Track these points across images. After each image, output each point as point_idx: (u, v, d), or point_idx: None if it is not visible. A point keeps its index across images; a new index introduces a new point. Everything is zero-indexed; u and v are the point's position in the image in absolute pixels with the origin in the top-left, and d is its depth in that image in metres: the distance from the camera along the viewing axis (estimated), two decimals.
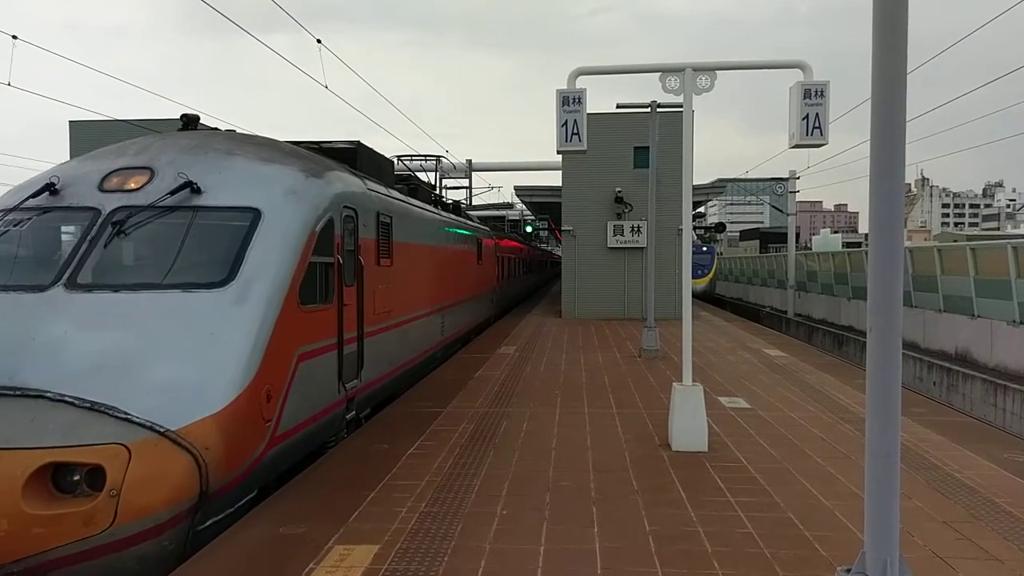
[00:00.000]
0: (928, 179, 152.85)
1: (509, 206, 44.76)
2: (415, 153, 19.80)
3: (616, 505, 5.63)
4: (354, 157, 9.29)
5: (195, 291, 5.55)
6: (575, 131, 7.68)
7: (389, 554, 4.69)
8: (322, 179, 7.10)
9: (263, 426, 5.52)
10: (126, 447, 4.54)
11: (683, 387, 7.40)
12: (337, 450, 7.21)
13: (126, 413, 4.70)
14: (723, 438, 7.69)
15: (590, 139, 7.97)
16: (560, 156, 10.77)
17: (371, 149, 10.05)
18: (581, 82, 7.80)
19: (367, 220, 8.30)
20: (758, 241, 64.17)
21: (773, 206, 42.28)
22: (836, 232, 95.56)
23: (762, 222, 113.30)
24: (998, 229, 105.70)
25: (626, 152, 22.28)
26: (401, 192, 11.02)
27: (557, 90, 7.68)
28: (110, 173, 6.38)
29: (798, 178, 30.94)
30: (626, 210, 22.44)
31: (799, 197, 31.80)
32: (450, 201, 18.73)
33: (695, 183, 13.36)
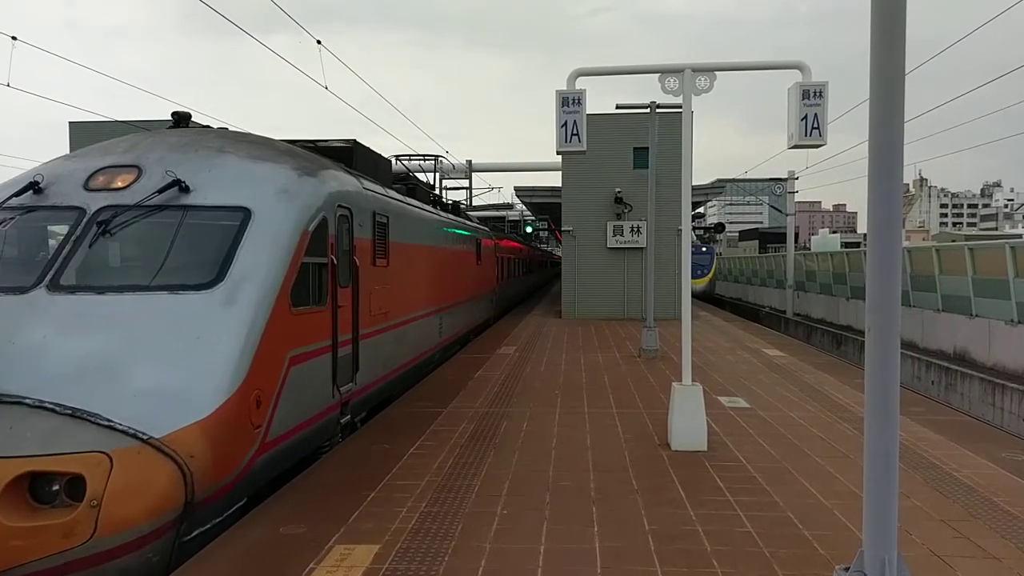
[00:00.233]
0: (926, 179, 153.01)
1: (509, 206, 44.77)
2: (414, 153, 19.76)
3: (616, 505, 5.64)
4: (350, 156, 9.14)
5: (182, 293, 5.40)
6: (575, 132, 7.70)
7: (389, 554, 4.70)
8: (316, 178, 6.94)
9: (252, 432, 5.34)
10: (108, 455, 4.37)
11: (683, 387, 7.42)
12: (338, 450, 7.22)
13: (108, 420, 4.53)
14: (722, 438, 7.71)
15: (590, 140, 7.98)
16: (560, 156, 10.79)
17: (367, 148, 9.94)
18: (581, 83, 7.82)
19: (363, 220, 8.16)
20: (757, 241, 64.21)
21: (772, 206, 42.28)
22: (835, 232, 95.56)
23: (761, 222, 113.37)
24: (996, 229, 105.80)
25: (626, 153, 22.30)
26: (399, 192, 10.90)
27: (557, 91, 7.70)
28: (96, 171, 6.21)
29: (797, 178, 30.98)
30: (626, 210, 22.46)
31: (798, 197, 31.83)
32: (449, 201, 18.70)
33: (694, 183, 13.40)
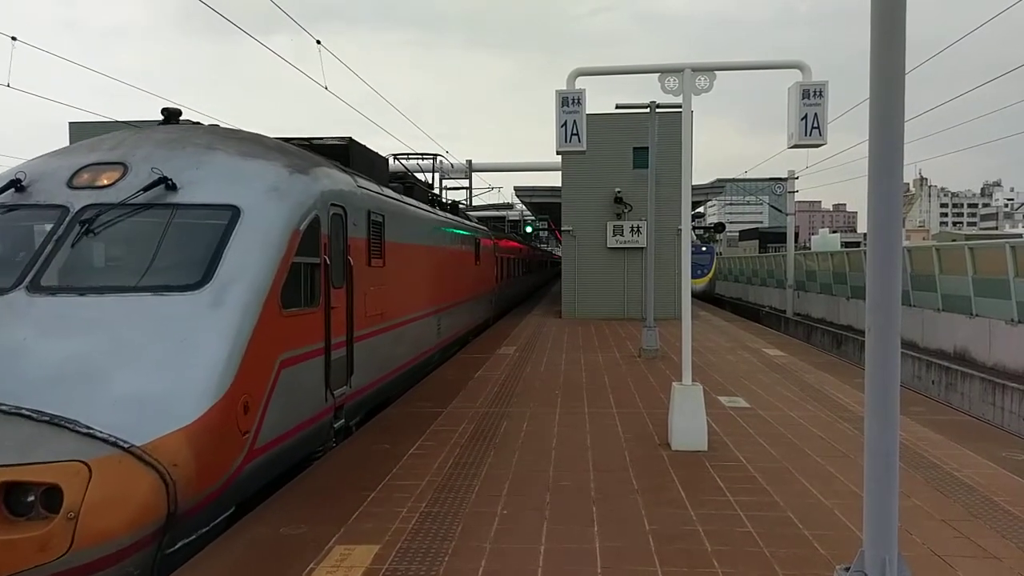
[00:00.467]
0: (926, 179, 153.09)
1: (509, 206, 44.79)
2: (412, 151, 19.70)
3: (616, 504, 5.64)
4: (346, 154, 8.99)
5: (167, 294, 5.23)
6: (574, 131, 7.69)
7: (390, 554, 4.70)
8: (307, 175, 6.76)
9: (240, 439, 5.17)
10: (86, 465, 4.18)
11: (683, 387, 7.41)
12: (338, 451, 7.21)
13: (88, 427, 4.33)
14: (723, 437, 7.70)
15: (590, 139, 7.98)
16: (560, 156, 10.79)
17: (364, 146, 9.78)
18: (580, 83, 7.82)
19: (357, 219, 7.99)
20: (757, 241, 64.20)
21: (772, 206, 42.30)
22: (835, 232, 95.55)
23: (761, 222, 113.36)
24: (996, 228, 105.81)
25: (625, 152, 22.31)
26: (396, 191, 10.76)
27: (556, 91, 7.70)
28: (81, 169, 6.02)
29: (797, 178, 30.98)
30: (626, 210, 22.46)
31: (798, 197, 31.83)
32: (448, 201, 18.64)
33: (694, 183, 13.40)
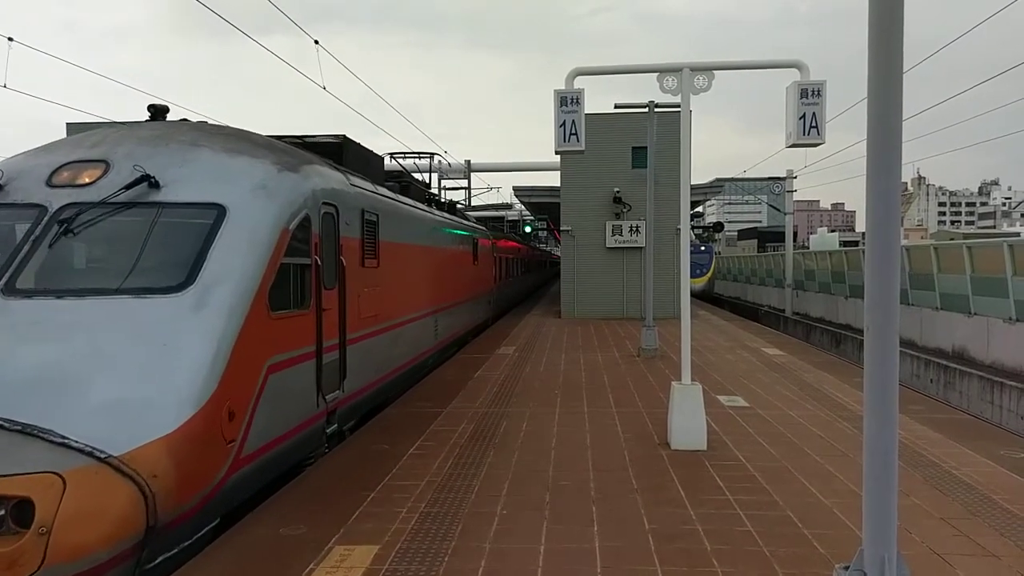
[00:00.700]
0: (925, 178, 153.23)
1: (508, 206, 44.83)
2: (408, 150, 19.61)
3: (616, 504, 5.64)
4: (340, 152, 8.80)
5: (149, 297, 5.03)
6: (573, 131, 7.70)
7: (389, 554, 4.70)
8: (297, 173, 6.55)
9: (224, 448, 4.96)
10: (60, 476, 3.99)
11: (682, 386, 7.42)
12: (337, 451, 7.21)
13: (63, 437, 4.14)
14: (722, 437, 7.71)
15: (588, 139, 7.99)
16: (559, 156, 10.79)
17: (358, 144, 9.62)
18: (579, 82, 7.82)
19: (350, 218, 7.80)
20: (756, 240, 64.17)
21: (771, 205, 42.29)
22: (833, 231, 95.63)
23: (760, 221, 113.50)
24: (994, 227, 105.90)
25: (624, 152, 22.32)
26: (392, 190, 10.62)
27: (555, 90, 7.70)
28: (61, 167, 5.81)
29: (795, 177, 31.02)
30: (624, 210, 22.48)
31: (796, 196, 31.87)
32: (445, 200, 18.58)
33: (693, 183, 13.42)
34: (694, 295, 27.48)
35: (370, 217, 8.61)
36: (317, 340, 6.75)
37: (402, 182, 12.45)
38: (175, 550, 4.58)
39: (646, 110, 14.94)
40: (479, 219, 24.99)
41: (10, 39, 13.83)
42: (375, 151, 10.54)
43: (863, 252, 5.86)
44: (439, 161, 24.61)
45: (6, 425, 4.16)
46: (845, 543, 4.81)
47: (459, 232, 15.69)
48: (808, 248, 48.97)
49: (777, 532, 5.04)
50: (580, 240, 22.90)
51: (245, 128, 7.44)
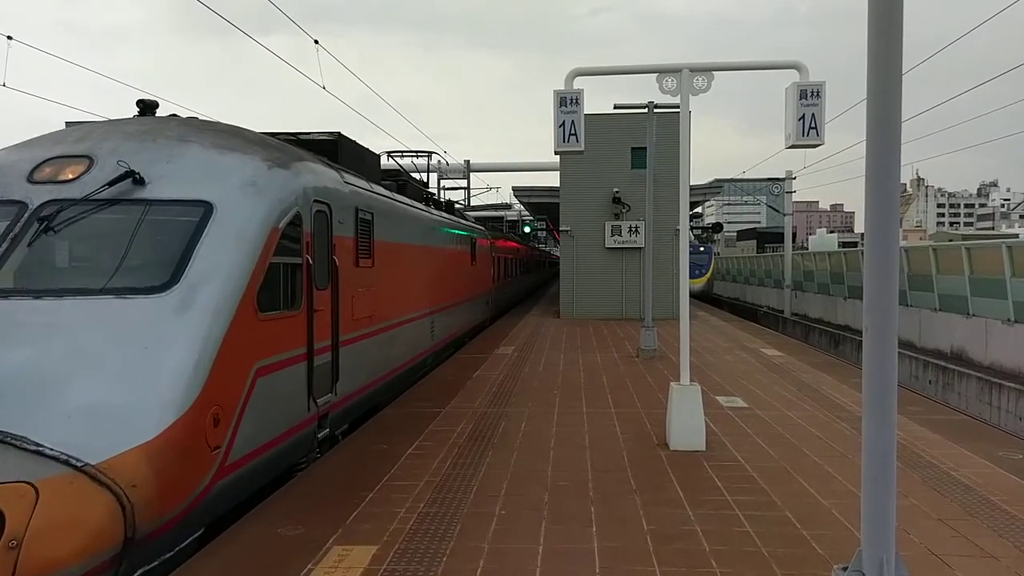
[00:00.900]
0: (924, 179, 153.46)
1: (507, 207, 44.84)
2: (406, 149, 19.49)
3: (614, 505, 5.64)
4: (335, 150, 8.60)
5: (131, 297, 4.84)
6: (572, 132, 7.70)
7: (388, 554, 4.70)
8: (288, 170, 6.34)
9: (209, 455, 4.77)
10: (33, 487, 3.82)
11: (681, 387, 7.42)
12: (335, 452, 7.20)
13: (37, 444, 3.96)
14: (721, 437, 7.71)
15: (588, 140, 7.98)
16: (558, 156, 10.79)
17: (353, 142, 9.45)
18: (578, 83, 7.83)
19: (344, 217, 7.60)
20: (755, 241, 64.22)
21: (770, 206, 42.28)
22: (832, 232, 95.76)
23: (759, 222, 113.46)
24: (993, 228, 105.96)
25: (624, 152, 22.34)
26: (388, 188, 10.49)
27: (554, 91, 7.70)
28: (43, 162, 5.63)
29: (795, 178, 31.02)
30: (624, 210, 22.49)
31: (796, 197, 31.88)
32: (443, 199, 18.51)
33: (692, 183, 13.43)
34: (693, 296, 27.51)
35: (365, 216, 8.46)
36: (308, 342, 6.57)
37: (399, 181, 12.29)
38: (156, 562, 4.42)
39: (645, 111, 14.95)
40: (478, 219, 24.96)
41: (9, 38, 13.82)
42: (373, 150, 10.49)
43: (862, 253, 5.88)
44: (438, 160, 24.60)
45: None
46: (844, 544, 4.81)
47: (457, 232, 15.61)
48: (807, 249, 49.02)
49: (776, 533, 5.04)
50: (579, 240, 22.91)
51: (243, 126, 7.38)
